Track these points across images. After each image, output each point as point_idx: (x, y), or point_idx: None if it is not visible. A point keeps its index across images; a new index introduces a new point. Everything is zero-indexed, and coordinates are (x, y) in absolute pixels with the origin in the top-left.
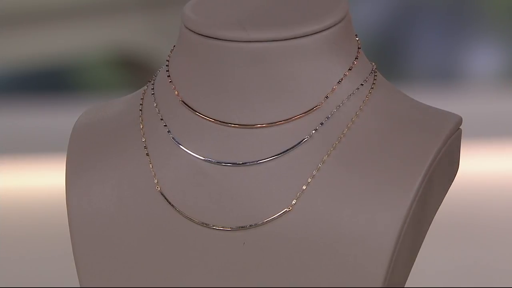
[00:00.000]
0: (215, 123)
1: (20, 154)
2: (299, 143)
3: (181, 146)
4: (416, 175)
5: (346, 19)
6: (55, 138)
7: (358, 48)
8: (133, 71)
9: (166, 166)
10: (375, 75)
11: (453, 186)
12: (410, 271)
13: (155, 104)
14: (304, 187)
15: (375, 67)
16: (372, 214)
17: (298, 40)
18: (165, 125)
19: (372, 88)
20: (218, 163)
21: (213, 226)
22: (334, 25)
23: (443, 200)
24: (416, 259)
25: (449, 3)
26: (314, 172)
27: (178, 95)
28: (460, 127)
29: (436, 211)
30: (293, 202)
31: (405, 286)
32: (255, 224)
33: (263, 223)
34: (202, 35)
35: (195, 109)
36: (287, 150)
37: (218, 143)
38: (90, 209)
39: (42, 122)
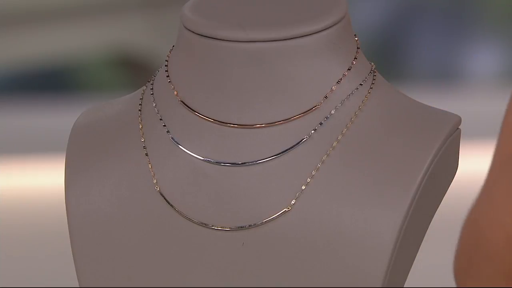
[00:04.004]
0: (214, 123)
1: (20, 154)
2: (298, 143)
3: (180, 146)
4: (415, 175)
5: (345, 19)
6: (55, 138)
7: (357, 48)
8: (133, 71)
9: (165, 166)
10: (374, 75)
11: (452, 186)
12: (409, 271)
13: (154, 104)
14: (303, 187)
15: (374, 67)
16: (371, 214)
17: (297, 40)
18: (164, 125)
19: (371, 88)
20: (217, 163)
21: (212, 226)
22: (333, 25)
23: (442, 200)
24: (416, 259)
25: (449, 4)
26: (313, 172)
27: (177, 95)
28: (459, 127)
29: (435, 211)
30: (292, 202)
31: (404, 286)
32: (254, 224)
33: (262, 223)
34: (201, 35)
35: (194, 109)
36: (286, 150)
37: (217, 143)
38: (89, 209)
39: (42, 122)
